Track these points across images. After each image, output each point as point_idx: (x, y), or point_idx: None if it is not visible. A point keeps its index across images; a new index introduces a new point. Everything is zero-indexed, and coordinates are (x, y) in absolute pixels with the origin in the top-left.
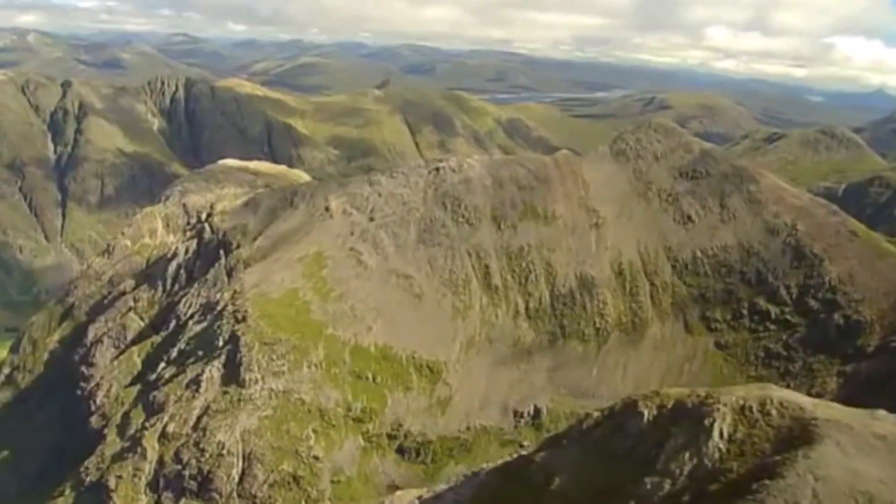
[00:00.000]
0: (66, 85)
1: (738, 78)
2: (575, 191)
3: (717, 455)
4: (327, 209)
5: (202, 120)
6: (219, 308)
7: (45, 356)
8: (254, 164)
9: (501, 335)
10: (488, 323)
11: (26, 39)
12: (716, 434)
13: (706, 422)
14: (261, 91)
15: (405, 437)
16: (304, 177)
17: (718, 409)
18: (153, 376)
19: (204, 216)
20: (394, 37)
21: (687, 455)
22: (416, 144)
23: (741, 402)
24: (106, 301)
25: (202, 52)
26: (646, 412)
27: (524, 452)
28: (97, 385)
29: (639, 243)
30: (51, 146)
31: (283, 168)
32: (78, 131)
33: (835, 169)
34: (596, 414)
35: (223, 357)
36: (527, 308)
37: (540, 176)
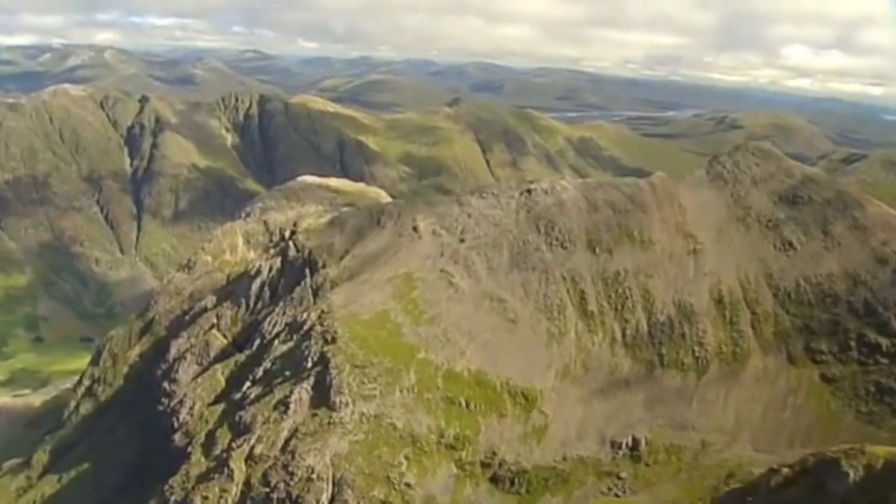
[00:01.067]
0: (143, 100)
1: (809, 97)
2: (672, 215)
3: None
4: (415, 229)
5: (275, 136)
6: (306, 328)
7: (126, 370)
8: (333, 182)
9: (598, 363)
10: (584, 350)
11: (103, 56)
12: None
13: None
14: (333, 108)
15: (499, 465)
16: (383, 195)
17: None
18: (238, 395)
19: (288, 234)
20: (462, 54)
21: None
22: (487, 163)
23: None
24: (187, 317)
25: (272, 69)
26: (851, 472)
27: None
28: (180, 402)
29: (738, 270)
30: (127, 160)
31: (361, 186)
32: (154, 146)
33: None
34: (784, 470)
35: (312, 379)
36: (623, 335)
37: (636, 200)
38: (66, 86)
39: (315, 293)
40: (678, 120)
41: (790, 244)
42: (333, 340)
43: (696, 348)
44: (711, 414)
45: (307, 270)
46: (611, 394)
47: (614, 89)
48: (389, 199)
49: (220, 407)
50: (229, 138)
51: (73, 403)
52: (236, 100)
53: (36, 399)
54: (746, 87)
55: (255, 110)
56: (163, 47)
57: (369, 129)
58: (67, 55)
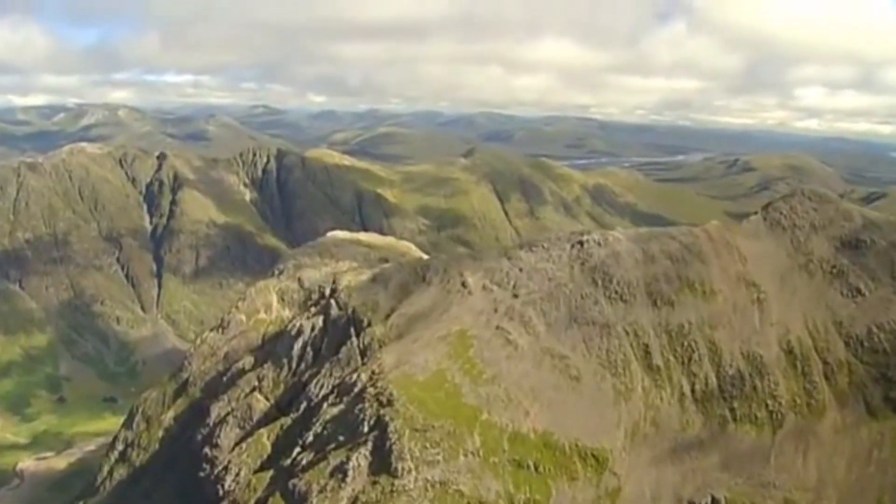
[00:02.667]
0: (161, 157)
1: (818, 136)
2: (732, 264)
3: None
4: (464, 285)
5: (293, 190)
6: (357, 390)
7: (161, 433)
8: (363, 236)
9: (668, 419)
10: (653, 407)
11: (117, 114)
12: None
13: None
14: (349, 161)
15: None
16: (413, 248)
17: None
18: (287, 462)
19: (328, 291)
20: (470, 104)
21: None
22: (506, 213)
23: None
24: (224, 378)
25: (282, 123)
26: None
27: None
28: (225, 469)
29: (806, 319)
30: (146, 217)
31: (391, 240)
32: (173, 203)
33: None
34: None
35: (370, 444)
36: (692, 390)
37: (693, 249)
38: (84, 144)
39: (363, 353)
40: (689, 164)
41: (858, 290)
42: (390, 403)
43: (770, 402)
44: (792, 470)
45: (352, 329)
46: (684, 451)
47: (623, 136)
48: (420, 252)
49: (269, 474)
50: (247, 194)
51: (105, 468)
52: (253, 155)
53: (60, 462)
54: (754, 130)
55: (272, 165)
56: (174, 104)
57: (385, 181)
58: (82, 114)
